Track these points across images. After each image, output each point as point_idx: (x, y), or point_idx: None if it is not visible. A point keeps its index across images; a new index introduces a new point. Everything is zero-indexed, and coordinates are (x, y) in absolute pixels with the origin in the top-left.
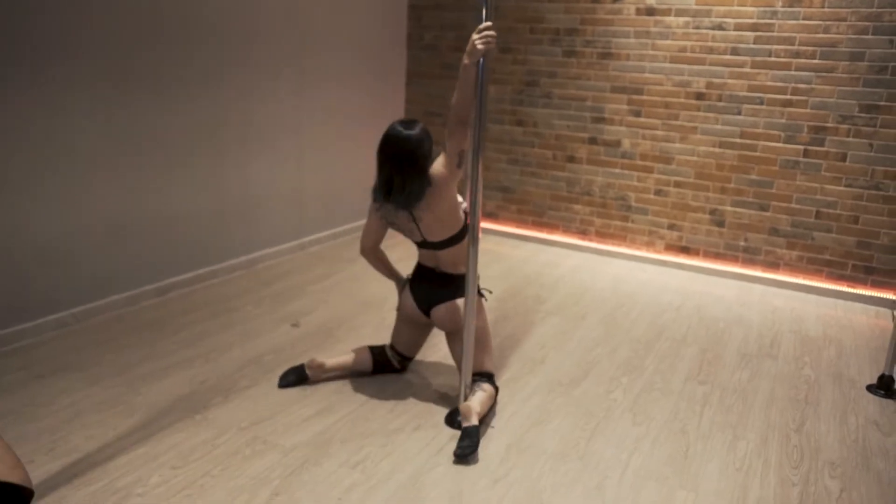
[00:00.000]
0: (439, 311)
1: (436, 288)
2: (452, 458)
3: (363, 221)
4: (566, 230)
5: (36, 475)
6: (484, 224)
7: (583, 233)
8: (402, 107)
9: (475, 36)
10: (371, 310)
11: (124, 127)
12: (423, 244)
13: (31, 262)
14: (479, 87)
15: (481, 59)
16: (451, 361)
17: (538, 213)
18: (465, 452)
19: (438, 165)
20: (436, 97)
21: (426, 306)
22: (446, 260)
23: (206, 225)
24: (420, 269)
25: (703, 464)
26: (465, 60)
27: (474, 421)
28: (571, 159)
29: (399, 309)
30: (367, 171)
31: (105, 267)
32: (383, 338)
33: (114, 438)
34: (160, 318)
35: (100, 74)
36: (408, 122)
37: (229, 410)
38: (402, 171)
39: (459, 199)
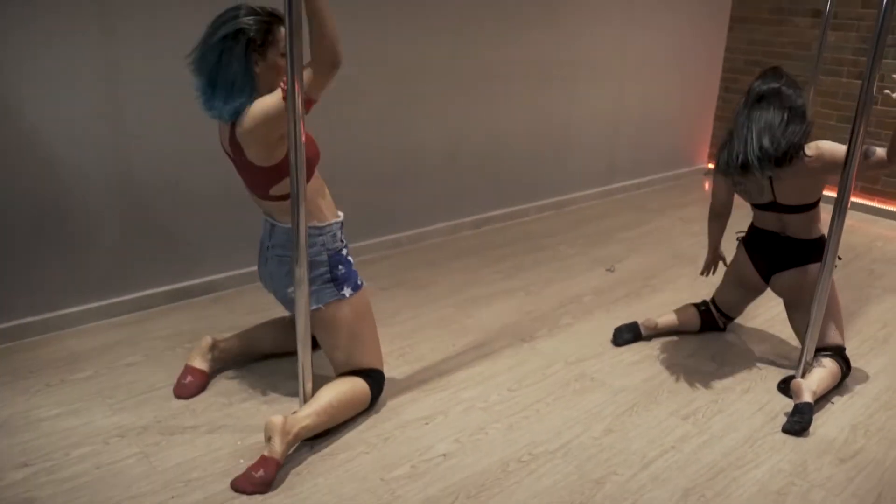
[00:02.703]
0: (784, 277)
1: (780, 253)
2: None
3: (670, 173)
4: None
5: (392, 374)
6: None
7: None
8: (721, 55)
9: None
10: (684, 263)
11: (460, 60)
12: (768, 206)
13: (375, 186)
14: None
15: None
16: (773, 328)
17: (871, 180)
18: (795, 428)
19: (829, 151)
20: (760, 43)
21: (767, 272)
22: (797, 225)
23: (523, 162)
24: (758, 233)
25: None
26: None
27: (806, 398)
28: None
29: (730, 270)
30: (676, 121)
31: (432, 196)
32: (700, 294)
33: (453, 353)
34: (478, 248)
35: (445, 11)
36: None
37: (555, 343)
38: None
39: None
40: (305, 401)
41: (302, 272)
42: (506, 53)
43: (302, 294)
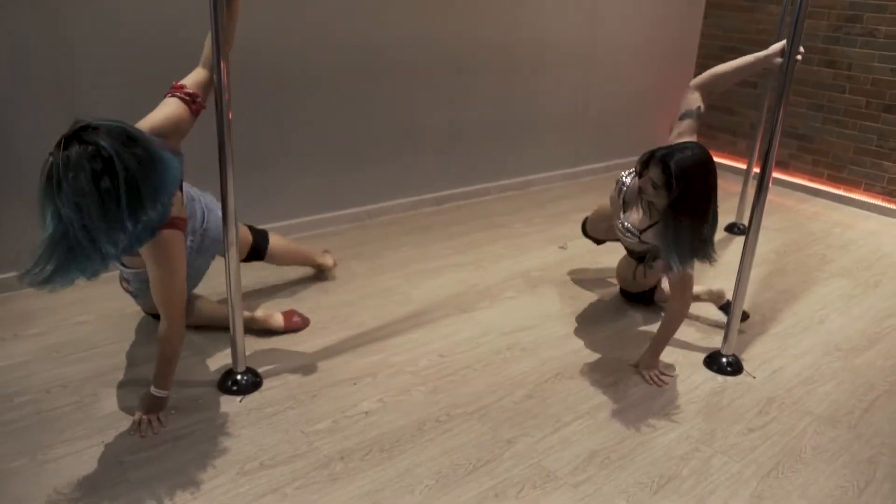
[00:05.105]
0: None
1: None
2: None
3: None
4: (869, 189)
5: (329, 340)
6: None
7: (889, 194)
8: (697, 41)
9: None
10: None
11: (423, 41)
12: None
13: (336, 161)
14: None
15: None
16: (701, 307)
17: (837, 167)
18: None
19: None
20: (734, 30)
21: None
22: None
23: (487, 142)
24: None
25: None
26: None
27: None
28: (889, 109)
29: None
30: (647, 106)
31: (394, 172)
32: None
33: (393, 321)
34: (436, 225)
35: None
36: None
37: (494, 315)
38: None
39: None
40: (237, 358)
41: (232, 235)
42: (472, 33)
43: (233, 255)
